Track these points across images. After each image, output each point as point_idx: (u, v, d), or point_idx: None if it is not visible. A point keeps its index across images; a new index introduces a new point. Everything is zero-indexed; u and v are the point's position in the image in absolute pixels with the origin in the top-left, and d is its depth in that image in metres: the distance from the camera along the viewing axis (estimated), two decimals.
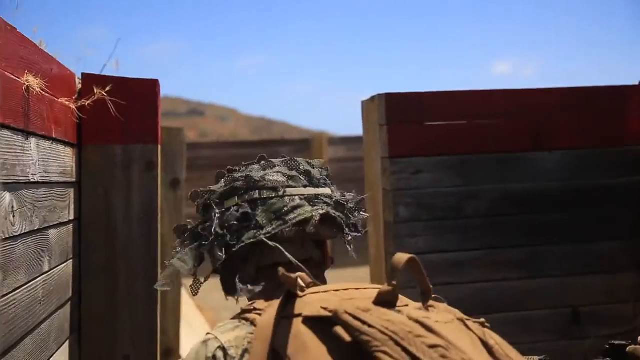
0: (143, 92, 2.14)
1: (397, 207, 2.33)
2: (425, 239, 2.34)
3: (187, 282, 5.92)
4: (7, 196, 1.39)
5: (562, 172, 2.42)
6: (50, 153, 1.75)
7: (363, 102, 2.54)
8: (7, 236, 1.39)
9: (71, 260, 2.02)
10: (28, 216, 1.54)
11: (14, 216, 1.42)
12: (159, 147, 2.19)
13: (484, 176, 2.38)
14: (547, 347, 2.18)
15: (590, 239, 2.41)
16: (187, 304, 7.25)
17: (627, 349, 1.54)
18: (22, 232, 1.49)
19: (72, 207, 2.02)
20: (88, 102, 2.04)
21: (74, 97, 2.01)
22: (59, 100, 1.84)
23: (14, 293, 1.43)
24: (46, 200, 1.71)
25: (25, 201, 1.52)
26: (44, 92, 1.65)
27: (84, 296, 2.13)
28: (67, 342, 1.98)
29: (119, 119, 2.10)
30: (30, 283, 1.56)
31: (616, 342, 1.58)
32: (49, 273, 1.74)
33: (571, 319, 2.33)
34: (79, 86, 2.10)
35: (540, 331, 2.30)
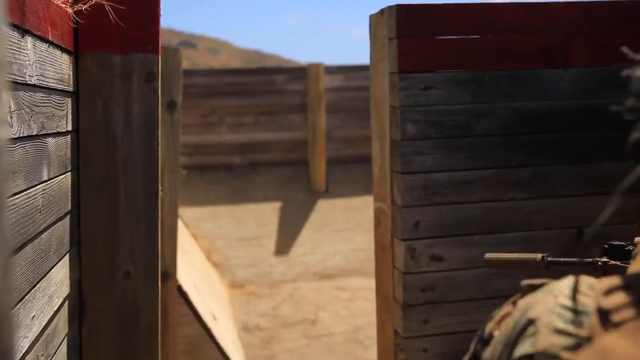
0: None
1: (405, 124, 2.26)
2: (434, 157, 2.28)
3: (182, 211, 5.82)
4: (4, 95, 1.31)
5: (576, 91, 2.35)
6: (47, 56, 1.66)
7: (371, 17, 2.44)
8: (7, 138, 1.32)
9: (69, 173, 1.96)
10: (26, 120, 1.47)
11: (11, 117, 1.35)
12: (160, 57, 2.10)
13: (495, 94, 2.31)
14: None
15: (600, 159, 2.36)
16: (182, 233, 7.26)
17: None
18: (21, 135, 1.42)
19: (70, 117, 1.95)
20: (85, 6, 1.93)
21: (69, 1, 1.91)
22: (55, 1, 1.74)
23: (13, 198, 1.37)
24: (44, 106, 1.63)
25: (23, 103, 1.44)
26: None
27: (83, 210, 2.07)
28: (67, 255, 1.94)
29: (118, 26, 2.00)
30: (30, 190, 1.50)
31: (615, 243, 1.57)
32: (48, 182, 1.68)
33: (577, 239, 2.30)
34: None
35: (545, 251, 2.27)
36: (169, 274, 4.17)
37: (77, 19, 1.92)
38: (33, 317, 1.53)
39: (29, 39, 1.49)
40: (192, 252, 6.81)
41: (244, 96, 8.24)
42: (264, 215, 8.21)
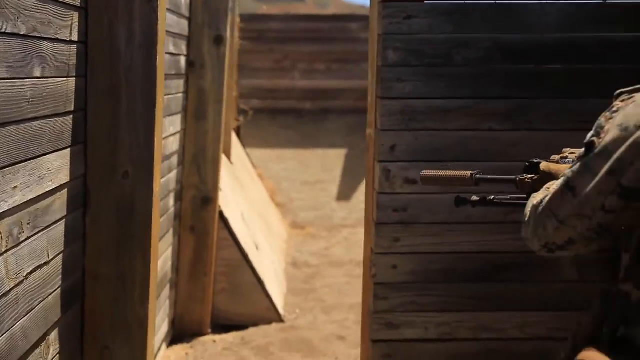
0: None
1: (386, 51, 2.39)
2: (414, 84, 2.41)
3: (250, 151, 6.13)
4: None
5: (562, 25, 2.39)
6: None
7: None
8: None
9: (74, 78, 2.24)
10: (10, 19, 1.73)
11: None
12: None
13: (478, 25, 2.39)
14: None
15: (583, 95, 2.40)
16: (248, 171, 7.62)
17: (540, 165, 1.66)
18: (2, 30, 1.69)
19: (76, 29, 2.22)
20: None
21: None
22: None
23: None
24: (37, 12, 1.89)
25: (7, 3, 1.70)
26: None
27: (89, 113, 2.36)
28: (69, 150, 2.23)
29: None
30: (15, 80, 1.78)
31: (534, 160, 1.70)
32: (41, 80, 1.95)
33: None
34: None
35: None
36: (210, 198, 4.48)
37: None
38: (15, 187, 1.82)
39: None
40: (253, 190, 7.15)
41: (318, 43, 8.43)
42: (330, 161, 8.44)
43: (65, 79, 2.16)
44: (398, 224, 2.49)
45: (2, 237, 1.78)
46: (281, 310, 4.98)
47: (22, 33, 1.81)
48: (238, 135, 8.09)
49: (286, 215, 8.03)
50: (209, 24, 4.22)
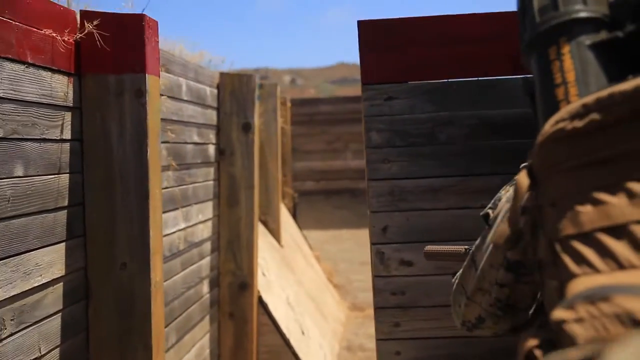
0: (131, 25, 2.38)
1: (370, 133, 2.38)
2: (400, 164, 2.37)
3: (307, 233, 6.14)
4: None
5: None
6: (24, 76, 2.04)
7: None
8: None
9: (68, 175, 2.33)
10: None
11: None
12: (148, 76, 2.42)
13: (460, 102, 2.35)
14: None
15: None
16: (305, 253, 7.61)
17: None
18: None
19: (68, 128, 2.33)
20: (80, 35, 2.32)
21: (66, 30, 2.29)
22: (42, 31, 2.13)
23: None
24: (17, 115, 2.00)
25: None
26: (10, 21, 1.93)
27: (87, 207, 2.44)
28: (63, 244, 2.30)
29: (111, 51, 2.36)
30: None
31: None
32: (24, 178, 2.04)
33: None
34: (80, 21, 2.38)
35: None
36: (247, 284, 4.49)
37: (80, 47, 2.30)
38: None
39: None
40: (307, 272, 7.12)
41: None
42: None
43: (55, 175, 2.25)
44: (397, 307, 2.41)
45: None
46: None
47: (0, 136, 1.91)
48: (294, 217, 8.15)
49: (345, 297, 7.92)
50: (237, 113, 4.35)
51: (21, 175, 2.03)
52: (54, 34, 2.20)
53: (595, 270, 0.82)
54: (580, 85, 1.03)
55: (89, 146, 2.42)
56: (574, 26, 1.06)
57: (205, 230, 4.08)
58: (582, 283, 0.81)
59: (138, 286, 2.47)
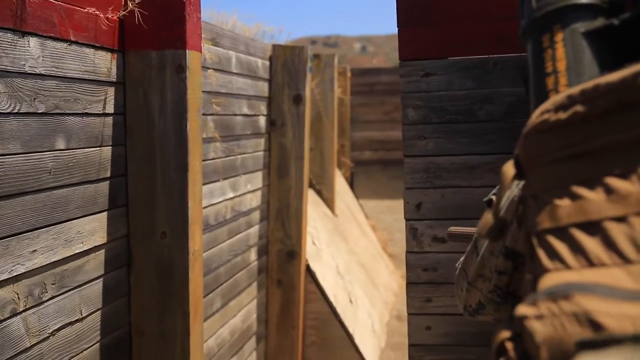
0: (172, 2, 2.43)
1: (406, 109, 2.37)
2: (436, 141, 2.36)
3: (363, 202, 5.93)
4: None
5: None
6: (66, 53, 2.12)
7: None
8: None
9: (110, 147, 2.42)
10: (25, 100, 1.93)
11: None
12: (188, 51, 2.47)
13: (500, 79, 2.31)
14: None
15: None
16: (360, 222, 7.65)
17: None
18: (15, 111, 1.89)
19: (111, 102, 2.41)
20: (123, 12, 2.38)
21: (110, 8, 2.36)
22: (85, 10, 2.21)
23: (2, 157, 1.84)
24: (59, 91, 2.09)
25: (20, 87, 1.91)
26: (52, 0, 2.01)
27: (130, 178, 2.53)
28: (105, 213, 2.41)
29: (153, 28, 2.42)
30: (31, 154, 1.97)
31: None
32: (65, 151, 2.14)
33: None
34: None
35: None
36: (295, 253, 4.57)
37: (123, 24, 2.37)
38: (34, 251, 2.00)
39: (32, 39, 1.95)
40: (362, 242, 7.17)
41: None
42: None
43: (98, 148, 2.34)
44: (428, 283, 2.42)
45: (19, 298, 1.94)
46: None
47: (40, 111, 2.00)
48: (351, 186, 8.18)
49: (400, 267, 7.94)
50: (288, 84, 4.38)
51: (63, 148, 2.13)
52: (97, 12, 2.28)
53: (566, 266, 0.80)
54: (572, 74, 1.00)
55: (131, 120, 2.50)
56: (570, 13, 1.02)
57: (254, 200, 4.17)
58: (551, 279, 0.80)
59: (176, 255, 2.56)
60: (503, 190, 1.04)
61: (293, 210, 4.52)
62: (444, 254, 2.41)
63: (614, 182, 0.85)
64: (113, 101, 2.43)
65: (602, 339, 0.70)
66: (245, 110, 3.91)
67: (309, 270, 4.77)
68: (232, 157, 3.70)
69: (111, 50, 2.40)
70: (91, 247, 2.33)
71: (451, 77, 2.35)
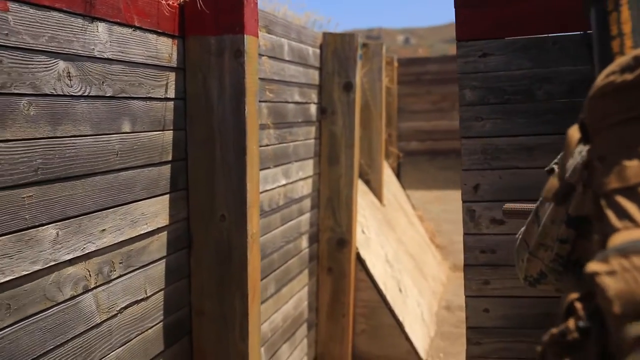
0: None
1: (463, 90, 2.37)
2: (494, 122, 2.35)
3: (410, 193, 6.11)
4: (61, 63, 1.84)
5: None
6: (131, 38, 2.18)
7: None
8: (63, 94, 1.85)
9: (172, 131, 2.48)
10: (95, 84, 1.99)
11: (70, 79, 1.88)
12: (246, 36, 2.51)
13: (559, 58, 2.29)
14: None
15: None
16: (407, 213, 7.65)
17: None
18: (86, 94, 1.95)
19: (172, 87, 2.47)
20: None
21: None
22: None
23: (72, 138, 1.90)
24: (124, 75, 2.15)
25: (90, 71, 1.97)
26: None
27: (190, 162, 2.59)
28: (168, 196, 2.47)
29: (211, 13, 2.47)
30: (100, 136, 2.03)
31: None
32: (131, 134, 2.20)
33: None
34: None
35: None
36: (346, 241, 4.59)
37: (184, 10, 2.43)
38: (103, 230, 2.07)
39: (100, 24, 2.01)
40: (409, 231, 7.16)
41: None
42: None
43: (160, 132, 2.40)
44: (486, 265, 2.42)
45: (90, 275, 2.01)
46: (423, 354, 4.91)
47: (108, 95, 2.06)
48: (398, 177, 8.17)
49: (447, 258, 7.90)
50: (339, 72, 4.40)
51: (128, 131, 2.19)
52: None
53: (636, 224, 0.81)
54: (637, 36, 1.01)
55: (191, 105, 2.56)
56: None
57: (305, 187, 4.20)
58: (621, 236, 0.81)
59: (235, 237, 2.61)
60: (568, 154, 1.04)
61: (343, 199, 4.54)
62: (502, 236, 2.40)
63: None
64: (174, 86, 2.48)
65: None
66: (297, 98, 3.95)
67: (359, 258, 4.79)
68: (284, 145, 3.74)
69: (172, 36, 2.45)
70: (155, 228, 2.39)
71: (509, 56, 2.34)
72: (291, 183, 3.92)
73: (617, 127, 0.89)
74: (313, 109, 4.29)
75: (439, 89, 8.31)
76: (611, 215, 0.84)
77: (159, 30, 2.35)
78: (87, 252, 1.99)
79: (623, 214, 0.83)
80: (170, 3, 2.41)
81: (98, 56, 2.01)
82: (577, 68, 2.30)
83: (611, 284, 0.76)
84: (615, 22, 1.07)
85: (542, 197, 1.17)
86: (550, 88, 2.32)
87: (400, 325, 4.81)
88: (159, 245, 2.43)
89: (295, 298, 4.14)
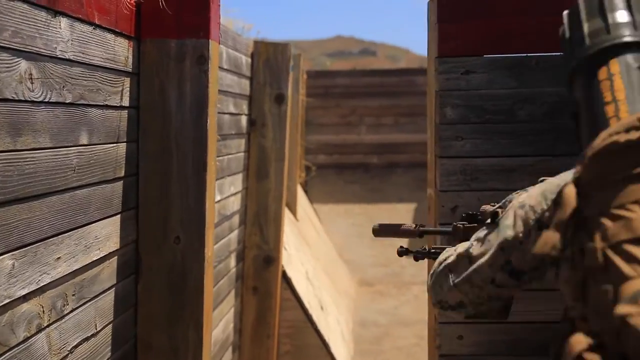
0: None
1: (444, 108, 2.27)
2: (474, 142, 2.27)
3: (318, 207, 6.10)
4: (24, 63, 1.56)
5: None
6: (91, 38, 1.91)
7: (428, 2, 2.47)
8: (24, 99, 1.57)
9: (125, 144, 2.21)
10: (55, 88, 1.71)
11: (32, 83, 1.59)
12: (210, 42, 2.29)
13: (543, 78, 2.24)
14: None
15: None
16: (315, 227, 7.54)
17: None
18: (46, 100, 1.67)
19: (127, 94, 2.20)
20: None
21: None
22: None
23: (32, 152, 1.61)
24: (84, 80, 1.88)
25: (51, 73, 1.69)
26: None
27: (141, 178, 2.32)
28: (119, 216, 2.19)
29: (173, 14, 2.23)
30: (59, 149, 1.75)
31: (470, 212, 1.82)
32: (88, 147, 1.92)
33: None
34: None
35: None
36: (272, 258, 4.40)
37: (140, 10, 2.17)
38: (58, 258, 1.78)
39: (63, 19, 1.73)
40: (320, 247, 7.05)
41: (384, 97, 8.38)
42: (398, 216, 8.28)
43: (115, 144, 2.13)
44: None
45: (44, 312, 1.72)
46: None
47: (67, 101, 1.78)
48: (305, 190, 8.05)
49: (354, 272, 7.86)
50: (270, 83, 4.21)
51: (86, 143, 1.91)
52: None
53: None
54: (630, 103, 1.11)
55: (145, 114, 2.30)
56: (623, 49, 1.17)
57: (235, 203, 3.98)
58: (637, 283, 0.88)
59: (191, 261, 2.37)
60: (566, 212, 1.09)
61: (272, 214, 4.35)
62: None
63: None
64: (129, 93, 2.22)
65: None
66: (232, 109, 3.73)
67: (284, 276, 4.61)
68: (220, 158, 3.51)
69: (128, 37, 2.19)
70: (106, 253, 2.11)
71: (492, 74, 2.26)
72: (224, 199, 3.69)
73: (621, 183, 0.97)
74: (244, 120, 4.08)
75: (348, 103, 8.28)
76: (621, 264, 0.91)
77: (117, 30, 2.09)
78: (42, 284, 1.70)
79: (635, 262, 0.90)
80: (129, 0, 2.14)
81: (60, 56, 1.73)
82: (558, 89, 2.26)
83: None
84: (608, 89, 1.18)
85: (535, 252, 1.18)
86: (532, 109, 2.26)
87: (326, 345, 4.67)
88: (109, 272, 2.15)
89: (224, 321, 3.91)
